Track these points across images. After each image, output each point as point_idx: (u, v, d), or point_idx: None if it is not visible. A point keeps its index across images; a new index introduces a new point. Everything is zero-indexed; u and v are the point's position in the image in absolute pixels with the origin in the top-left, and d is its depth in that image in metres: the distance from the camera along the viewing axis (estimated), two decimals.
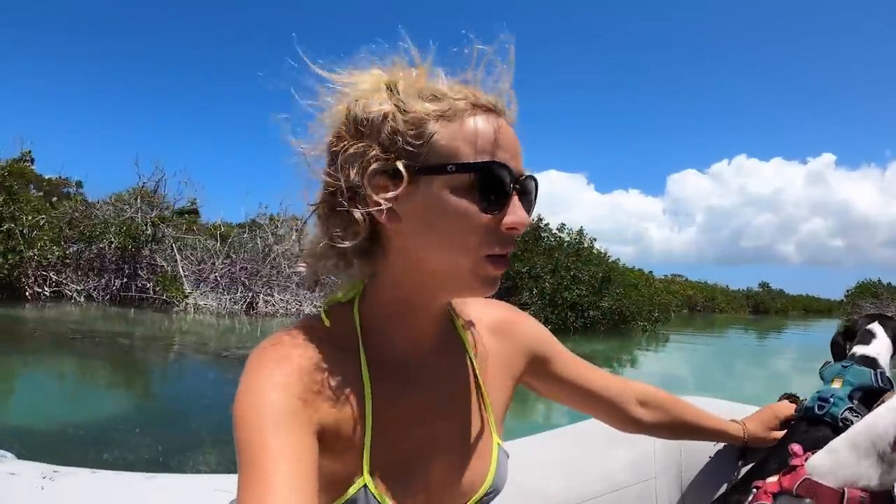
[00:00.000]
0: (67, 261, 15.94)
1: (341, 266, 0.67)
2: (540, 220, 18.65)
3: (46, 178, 24.15)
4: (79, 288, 15.93)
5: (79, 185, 27.58)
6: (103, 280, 16.27)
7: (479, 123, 0.61)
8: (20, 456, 1.23)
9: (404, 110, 0.60)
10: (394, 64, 0.63)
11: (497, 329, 0.81)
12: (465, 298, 0.79)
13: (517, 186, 0.63)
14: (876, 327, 1.22)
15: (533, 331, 0.85)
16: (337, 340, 0.66)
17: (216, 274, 16.43)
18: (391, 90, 0.62)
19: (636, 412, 0.97)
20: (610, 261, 20.01)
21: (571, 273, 17.05)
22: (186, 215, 22.94)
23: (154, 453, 4.28)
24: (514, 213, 0.62)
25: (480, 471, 0.74)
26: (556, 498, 1.19)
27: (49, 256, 14.94)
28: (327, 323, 0.68)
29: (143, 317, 14.11)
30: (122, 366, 8.51)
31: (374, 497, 0.64)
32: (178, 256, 16.32)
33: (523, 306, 16.72)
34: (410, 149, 0.60)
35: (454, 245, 0.62)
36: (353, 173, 0.61)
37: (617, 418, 0.96)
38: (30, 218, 14.33)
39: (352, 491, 0.64)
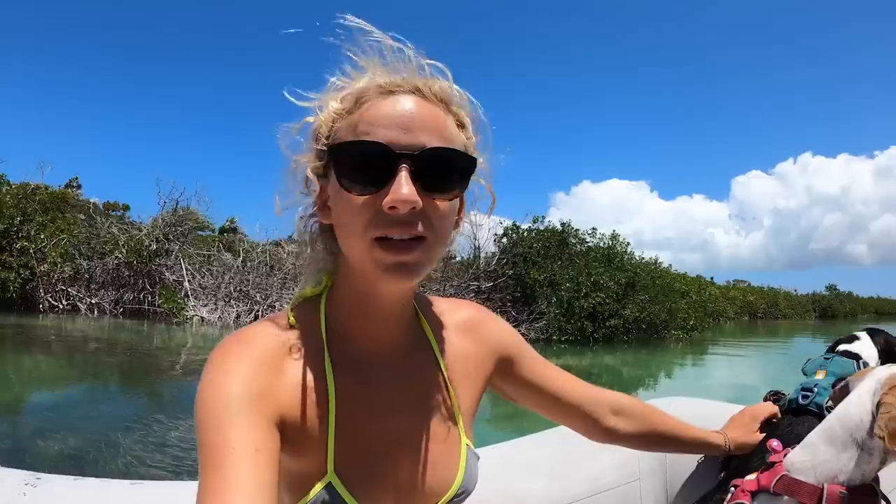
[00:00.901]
0: (87, 275, 16.72)
1: (321, 264, 0.70)
2: (564, 225, 17.77)
3: (92, 201, 25.76)
4: (92, 301, 16.62)
5: (125, 208, 29.25)
6: (117, 294, 16.95)
7: (369, 107, 0.62)
8: (2, 463, 1.20)
9: (325, 114, 0.64)
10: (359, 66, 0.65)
11: (465, 329, 0.80)
12: (433, 298, 0.80)
13: (406, 163, 0.60)
14: (862, 333, 1.26)
15: (499, 331, 0.84)
16: (302, 336, 0.67)
17: (231, 287, 16.78)
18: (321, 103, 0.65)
19: (609, 421, 0.93)
20: (660, 268, 18.86)
21: (592, 279, 15.97)
22: (226, 233, 23.80)
23: (135, 460, 4.26)
24: (395, 192, 0.59)
25: (449, 471, 0.72)
26: (539, 500, 1.19)
27: (59, 272, 15.64)
28: (292, 320, 0.68)
29: (144, 329, 14.56)
30: (105, 374, 8.88)
31: (340, 496, 0.64)
32: (184, 271, 16.76)
33: (539, 316, 15.95)
34: (323, 149, 0.64)
35: (347, 230, 0.63)
36: (306, 181, 0.66)
37: (588, 427, 0.93)
38: (42, 237, 15.24)
39: (316, 490, 0.64)
